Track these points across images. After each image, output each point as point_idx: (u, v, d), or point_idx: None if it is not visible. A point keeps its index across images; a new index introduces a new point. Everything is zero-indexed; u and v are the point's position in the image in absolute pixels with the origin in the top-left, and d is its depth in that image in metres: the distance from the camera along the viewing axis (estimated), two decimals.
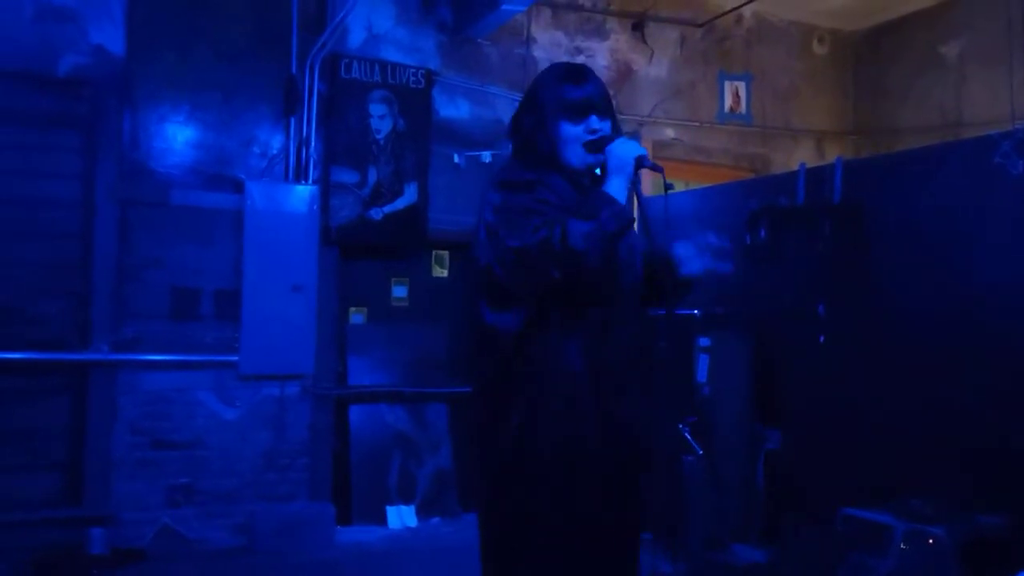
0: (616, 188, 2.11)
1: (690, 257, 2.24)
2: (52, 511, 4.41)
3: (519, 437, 2.08)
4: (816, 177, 4.34)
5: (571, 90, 2.22)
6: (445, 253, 5.68)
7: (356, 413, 5.24)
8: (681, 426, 1.90)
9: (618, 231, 2.00)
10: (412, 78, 5.27)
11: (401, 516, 5.14)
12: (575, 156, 2.21)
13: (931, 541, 3.19)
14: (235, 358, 4.73)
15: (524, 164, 2.26)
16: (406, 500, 5.21)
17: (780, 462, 4.36)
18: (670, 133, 6.38)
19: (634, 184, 2.17)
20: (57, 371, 4.48)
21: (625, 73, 6.23)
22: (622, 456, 2.13)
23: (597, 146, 2.18)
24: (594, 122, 2.21)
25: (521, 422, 2.07)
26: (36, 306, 4.41)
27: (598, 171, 2.19)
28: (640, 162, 2.14)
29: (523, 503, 2.08)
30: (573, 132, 2.20)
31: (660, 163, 2.21)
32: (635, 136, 5.80)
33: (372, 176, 5.13)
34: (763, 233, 4.51)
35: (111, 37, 4.55)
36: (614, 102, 2.39)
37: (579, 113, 2.20)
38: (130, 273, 4.58)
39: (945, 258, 3.73)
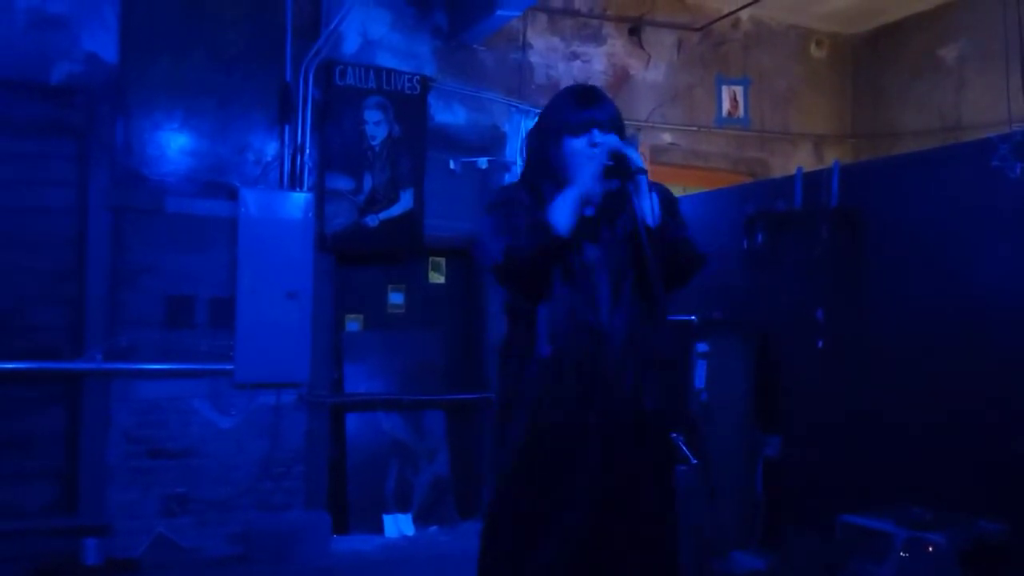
0: (562, 199, 2.16)
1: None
2: (47, 520, 4.39)
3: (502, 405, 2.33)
4: (813, 181, 4.31)
5: (575, 109, 2.27)
6: (442, 259, 5.66)
7: (352, 421, 5.22)
8: (674, 435, 1.88)
9: (532, 247, 2.14)
10: (407, 84, 5.25)
11: (398, 524, 5.11)
12: (579, 171, 2.21)
13: (931, 548, 3.15)
14: (230, 366, 4.70)
15: (519, 183, 2.38)
16: (403, 508, 5.18)
17: (779, 468, 4.33)
18: (668, 138, 6.36)
19: (626, 188, 2.16)
20: (51, 380, 4.45)
21: (622, 78, 6.21)
22: (581, 440, 2.19)
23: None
24: (596, 135, 2.22)
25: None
26: (29, 314, 4.39)
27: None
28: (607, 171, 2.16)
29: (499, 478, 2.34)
30: (576, 145, 2.23)
31: (659, 165, 2.21)
32: (633, 140, 5.78)
33: (367, 182, 5.11)
34: (760, 238, 4.48)
35: (104, 44, 4.53)
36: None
37: (582, 128, 2.24)
38: (124, 281, 4.56)
39: (943, 262, 3.70)
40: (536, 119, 2.45)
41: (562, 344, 2.21)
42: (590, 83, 2.50)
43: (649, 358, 2.28)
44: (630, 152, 2.16)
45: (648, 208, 2.16)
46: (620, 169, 2.13)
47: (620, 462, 2.20)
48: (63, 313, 4.47)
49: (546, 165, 2.29)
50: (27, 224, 4.41)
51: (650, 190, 2.18)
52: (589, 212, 2.25)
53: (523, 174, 2.43)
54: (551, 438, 2.20)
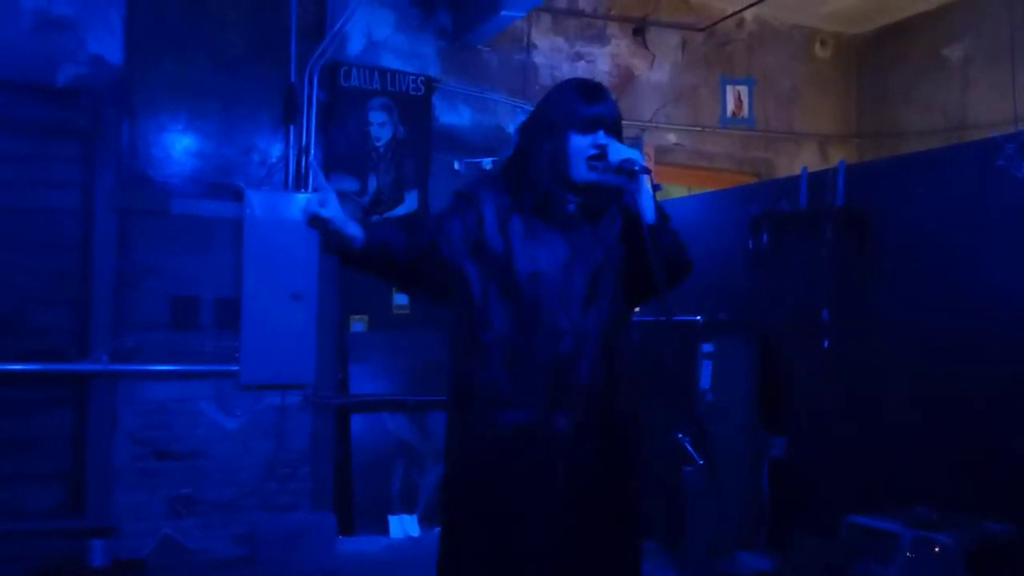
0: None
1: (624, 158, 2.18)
2: (53, 522, 4.39)
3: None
4: (818, 181, 4.30)
5: (583, 105, 2.22)
6: None
7: (357, 422, 5.21)
8: (680, 436, 1.87)
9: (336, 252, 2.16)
10: (412, 85, 5.25)
11: (403, 525, 5.10)
12: (578, 170, 2.19)
13: (938, 549, 3.15)
14: (235, 367, 4.70)
15: (500, 174, 2.33)
16: (408, 509, 5.18)
17: (785, 469, 4.32)
18: (672, 138, 6.36)
19: (626, 191, 2.16)
20: (57, 381, 4.46)
21: (626, 78, 6.21)
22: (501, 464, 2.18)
23: (597, 159, 2.17)
24: (601, 137, 2.19)
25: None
26: (35, 316, 4.40)
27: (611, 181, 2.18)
28: None
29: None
30: (581, 143, 2.18)
31: (664, 165, 2.20)
32: (637, 142, 5.78)
33: (372, 183, 5.12)
34: (765, 238, 4.48)
35: (109, 46, 4.54)
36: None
37: (589, 126, 2.19)
38: (129, 282, 4.56)
39: (949, 261, 3.70)
40: (534, 110, 2.37)
41: (527, 342, 2.16)
42: (595, 80, 2.43)
43: (623, 359, 2.26)
44: (633, 153, 2.16)
45: (651, 208, 2.16)
46: (624, 169, 2.13)
47: (589, 466, 2.18)
48: (69, 314, 4.48)
49: (546, 159, 2.21)
50: (33, 225, 4.42)
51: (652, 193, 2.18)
52: (570, 208, 2.24)
53: (510, 164, 2.33)
54: (514, 440, 2.16)
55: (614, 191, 2.19)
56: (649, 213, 2.14)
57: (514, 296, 2.18)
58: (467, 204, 2.24)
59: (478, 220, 2.21)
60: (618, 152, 2.15)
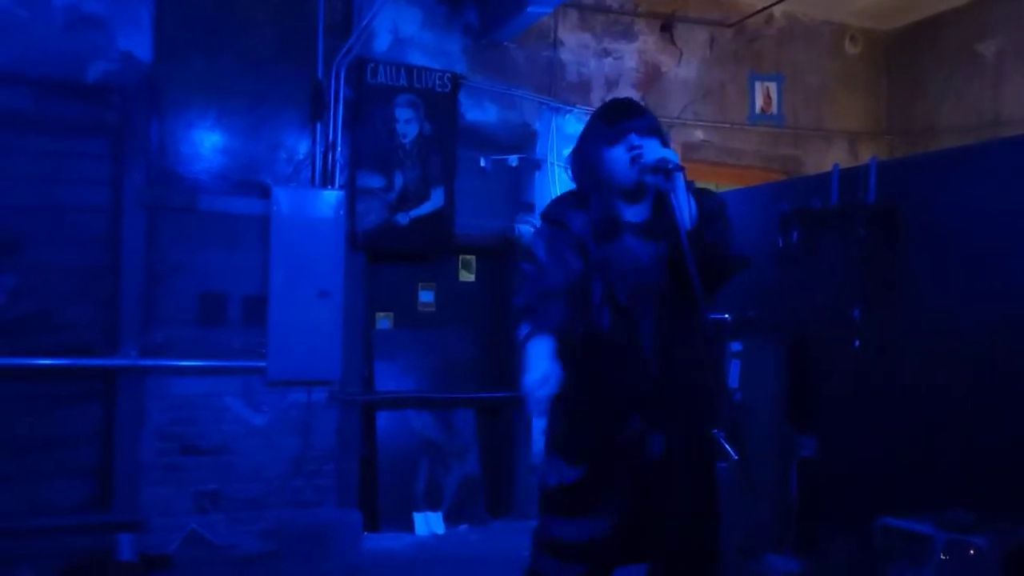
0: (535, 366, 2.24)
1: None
2: (81, 517, 4.43)
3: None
4: (850, 178, 4.24)
5: (609, 122, 2.33)
6: (472, 258, 5.65)
7: (383, 419, 5.23)
8: (715, 432, 1.88)
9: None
10: (438, 82, 5.24)
11: (428, 523, 5.10)
12: (623, 176, 2.27)
13: (972, 552, 3.09)
14: (262, 364, 4.72)
15: (570, 195, 2.42)
16: (433, 507, 5.18)
17: (815, 470, 4.26)
18: (700, 135, 6.31)
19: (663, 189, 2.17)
20: (85, 377, 4.49)
21: (654, 74, 6.17)
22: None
23: (637, 159, 2.23)
24: (633, 139, 2.26)
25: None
26: (65, 312, 4.43)
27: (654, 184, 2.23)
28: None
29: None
30: (614, 154, 2.27)
31: (692, 162, 2.24)
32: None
33: (398, 180, 5.11)
34: (795, 236, 4.42)
35: (139, 44, 4.57)
36: (645, 104, 2.49)
37: (617, 137, 2.28)
38: (158, 278, 4.59)
39: (983, 259, 3.63)
40: (574, 146, 2.50)
41: (629, 346, 2.25)
42: (625, 97, 2.54)
43: (696, 381, 2.35)
44: (668, 152, 2.18)
45: (685, 207, 2.15)
46: (659, 168, 2.14)
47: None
48: (98, 310, 4.51)
49: (589, 177, 2.34)
50: (63, 222, 4.46)
51: (688, 191, 2.18)
52: (637, 222, 2.30)
53: (574, 189, 2.47)
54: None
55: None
56: (684, 212, 2.13)
57: (615, 305, 2.26)
58: (559, 227, 2.30)
59: (576, 237, 2.27)
60: (653, 152, 2.16)
